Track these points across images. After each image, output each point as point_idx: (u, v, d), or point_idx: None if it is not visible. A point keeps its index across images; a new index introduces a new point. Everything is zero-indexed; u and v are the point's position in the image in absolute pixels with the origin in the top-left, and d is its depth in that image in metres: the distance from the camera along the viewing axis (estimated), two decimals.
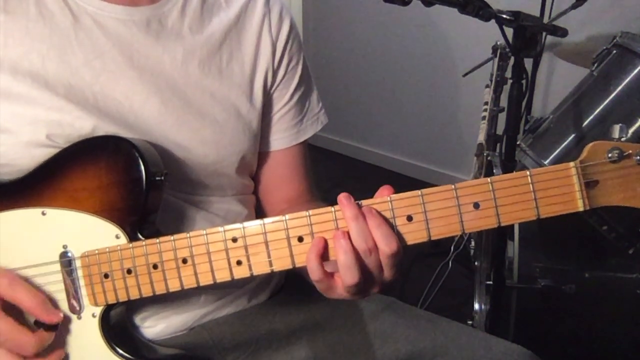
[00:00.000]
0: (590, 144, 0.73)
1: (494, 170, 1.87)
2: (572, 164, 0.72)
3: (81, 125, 0.86)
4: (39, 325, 0.81)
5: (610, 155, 0.72)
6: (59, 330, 0.84)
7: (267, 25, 1.01)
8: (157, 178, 0.83)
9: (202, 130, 0.94)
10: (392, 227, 0.74)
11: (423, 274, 2.39)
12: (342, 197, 0.74)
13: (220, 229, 0.78)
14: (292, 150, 1.08)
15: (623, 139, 0.74)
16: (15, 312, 0.82)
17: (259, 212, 1.12)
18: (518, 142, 1.76)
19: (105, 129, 0.87)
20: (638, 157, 0.72)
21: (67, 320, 0.85)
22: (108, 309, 0.85)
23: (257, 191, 1.11)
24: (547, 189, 0.73)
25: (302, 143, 1.09)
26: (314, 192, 1.12)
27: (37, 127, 0.85)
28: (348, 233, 0.73)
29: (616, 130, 0.74)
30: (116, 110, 0.89)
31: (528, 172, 0.72)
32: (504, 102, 1.61)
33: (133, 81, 0.90)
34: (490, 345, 1.00)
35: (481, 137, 1.97)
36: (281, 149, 1.07)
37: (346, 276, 0.74)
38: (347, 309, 1.07)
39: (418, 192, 0.73)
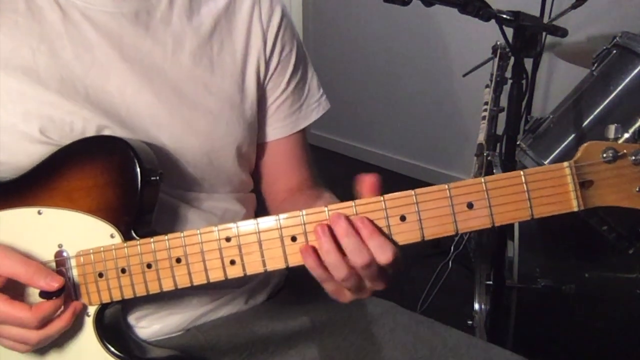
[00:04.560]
0: (585, 144, 0.72)
1: (494, 171, 1.87)
2: (566, 163, 0.72)
3: (73, 119, 0.86)
4: (44, 296, 0.80)
5: (604, 155, 0.72)
6: None
7: (257, 14, 1.00)
8: (152, 178, 0.83)
9: (196, 121, 0.94)
10: (386, 235, 0.73)
11: (423, 274, 2.39)
12: (333, 215, 0.73)
13: (214, 228, 0.77)
14: (292, 139, 1.07)
15: (619, 139, 0.73)
16: (16, 291, 0.82)
17: (260, 206, 1.11)
18: (518, 142, 1.76)
19: (98, 122, 0.87)
20: (633, 158, 0.71)
21: None
22: (102, 308, 0.85)
23: (259, 183, 1.11)
24: (541, 189, 0.72)
25: (301, 131, 1.08)
26: (317, 180, 1.11)
27: (29, 122, 0.85)
28: (328, 227, 0.73)
29: (611, 130, 0.74)
30: (108, 103, 0.88)
31: (522, 172, 0.72)
32: (504, 102, 1.60)
33: (124, 74, 0.89)
34: (491, 356, 0.99)
35: (481, 137, 1.97)
36: (280, 138, 1.06)
37: (334, 272, 0.73)
38: (345, 314, 1.06)
39: (411, 191, 0.73)
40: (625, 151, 0.72)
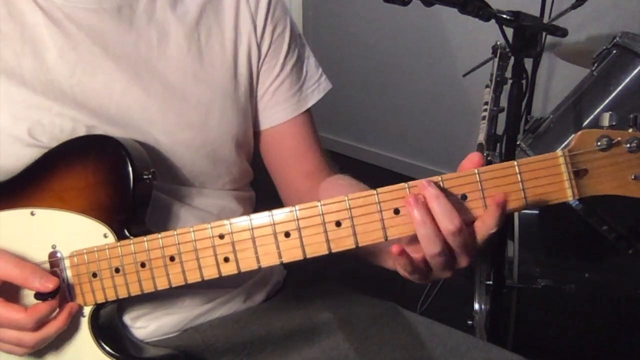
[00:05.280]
0: (579, 132, 0.71)
1: None
2: (559, 152, 0.71)
3: (61, 121, 0.85)
4: (39, 298, 0.79)
5: (599, 143, 0.71)
6: None
7: None
8: (145, 176, 0.83)
9: (187, 113, 0.92)
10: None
11: None
12: (422, 183, 0.71)
13: (207, 225, 0.77)
14: (297, 121, 1.05)
15: (614, 128, 0.72)
16: (12, 293, 0.82)
17: (259, 207, 1.10)
18: (518, 142, 1.75)
19: (87, 122, 0.86)
20: (628, 145, 0.71)
21: None
22: (97, 308, 0.84)
23: (272, 173, 1.09)
24: (535, 179, 0.71)
25: (306, 113, 1.06)
26: (332, 164, 1.09)
27: (18, 125, 0.84)
28: (423, 197, 0.71)
29: (606, 118, 0.72)
30: (96, 102, 0.88)
31: (515, 162, 0.71)
32: (504, 102, 1.60)
33: (111, 70, 0.88)
34: (490, 356, 0.98)
35: (481, 137, 1.96)
36: (285, 121, 1.04)
37: (427, 246, 0.71)
38: (344, 314, 1.05)
39: (404, 184, 0.72)
40: (619, 139, 0.71)
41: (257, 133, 1.05)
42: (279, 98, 1.03)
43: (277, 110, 1.03)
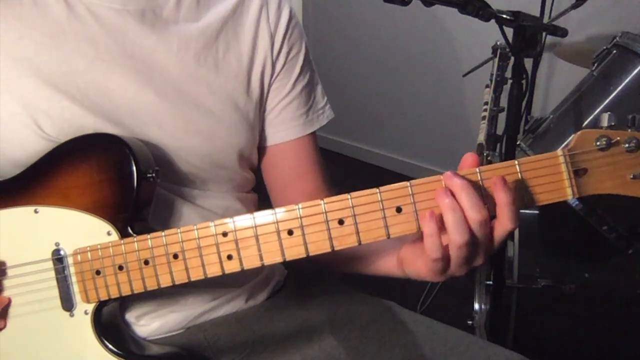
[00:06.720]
0: (579, 132, 0.73)
1: None
2: (560, 152, 0.72)
3: (70, 115, 0.86)
4: None
5: (598, 143, 0.72)
6: (51, 327, 0.84)
7: (264, 16, 1.00)
8: (149, 175, 0.84)
9: (198, 120, 0.94)
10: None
11: None
12: (448, 173, 0.72)
13: (210, 223, 0.78)
14: (301, 142, 1.06)
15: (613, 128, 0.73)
16: None
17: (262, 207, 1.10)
18: (518, 142, 1.75)
19: (95, 119, 0.87)
20: (626, 145, 0.72)
21: (59, 318, 0.85)
22: (100, 306, 0.85)
23: (272, 192, 1.10)
24: (536, 178, 0.72)
25: (310, 135, 1.07)
26: (331, 188, 1.10)
27: (26, 115, 0.85)
28: (451, 191, 0.72)
29: (605, 118, 0.73)
30: (108, 100, 0.88)
31: (516, 162, 0.72)
32: (504, 102, 1.60)
33: (126, 70, 0.90)
34: (490, 355, 0.98)
35: (481, 137, 1.96)
36: (289, 140, 1.05)
37: (455, 234, 0.72)
38: (345, 314, 1.06)
39: (407, 183, 0.73)
40: (618, 139, 0.72)
41: (261, 148, 1.07)
42: (285, 117, 1.05)
43: (283, 129, 1.05)
